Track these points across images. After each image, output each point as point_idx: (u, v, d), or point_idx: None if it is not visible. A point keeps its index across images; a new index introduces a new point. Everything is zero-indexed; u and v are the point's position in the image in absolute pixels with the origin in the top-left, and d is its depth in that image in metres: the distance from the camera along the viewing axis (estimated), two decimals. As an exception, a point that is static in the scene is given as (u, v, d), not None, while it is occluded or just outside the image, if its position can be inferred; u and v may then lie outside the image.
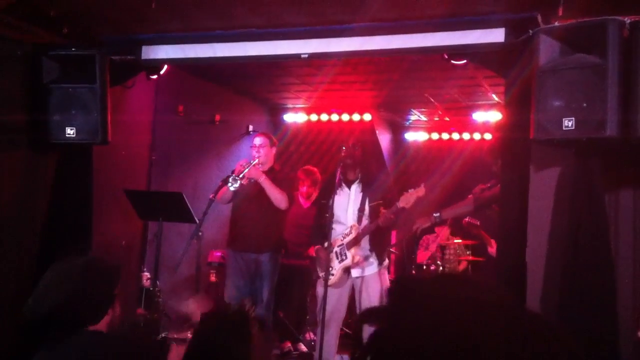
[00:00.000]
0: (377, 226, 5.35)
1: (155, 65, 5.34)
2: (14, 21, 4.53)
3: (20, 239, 4.68)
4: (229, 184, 5.64)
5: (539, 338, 0.90)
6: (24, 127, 4.75)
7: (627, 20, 3.55)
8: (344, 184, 5.57)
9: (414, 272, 6.86)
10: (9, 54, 4.62)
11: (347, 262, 5.38)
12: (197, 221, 5.48)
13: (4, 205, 4.63)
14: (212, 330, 2.43)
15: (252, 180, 5.76)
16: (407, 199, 5.20)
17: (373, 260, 5.45)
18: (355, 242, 5.39)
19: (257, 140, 6.04)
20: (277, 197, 5.76)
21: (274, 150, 6.10)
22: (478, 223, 6.62)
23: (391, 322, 0.94)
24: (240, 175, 5.66)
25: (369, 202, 5.48)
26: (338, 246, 5.43)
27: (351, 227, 5.45)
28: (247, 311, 2.53)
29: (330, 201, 5.44)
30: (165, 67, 5.49)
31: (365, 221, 5.46)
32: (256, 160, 5.84)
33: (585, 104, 3.59)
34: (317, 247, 5.57)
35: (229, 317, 2.50)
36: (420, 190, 5.23)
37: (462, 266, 7.31)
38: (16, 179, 4.75)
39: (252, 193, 5.84)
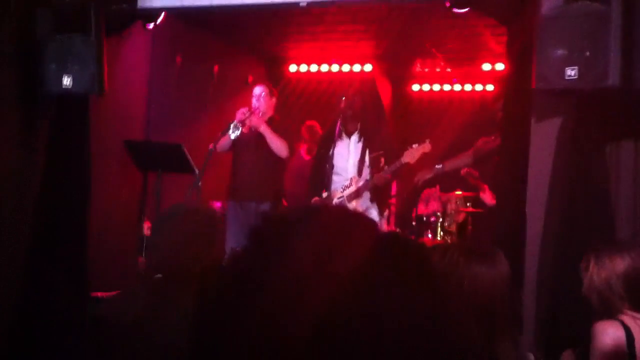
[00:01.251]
0: (376, 183, 5.34)
1: (151, 13, 5.25)
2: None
3: (19, 192, 4.67)
4: (230, 131, 5.63)
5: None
6: (18, 82, 4.69)
7: (633, -35, 3.47)
8: (344, 135, 5.54)
9: (414, 223, 6.84)
10: (1, 8, 4.54)
11: None
12: (197, 172, 5.47)
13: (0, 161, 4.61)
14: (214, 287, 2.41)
15: (253, 129, 5.74)
16: (412, 154, 5.17)
17: (374, 211, 5.46)
18: (356, 194, 5.38)
19: (257, 90, 6.02)
20: (278, 144, 5.75)
21: (273, 100, 6.07)
22: (477, 174, 6.61)
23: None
24: (241, 123, 5.64)
25: (370, 153, 5.46)
26: (338, 198, 5.42)
27: (351, 179, 5.43)
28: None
29: (330, 152, 5.41)
30: (162, 15, 5.41)
31: (365, 172, 5.44)
32: (257, 109, 5.82)
33: (587, 53, 3.53)
34: (315, 198, 5.57)
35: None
36: (426, 146, 5.19)
37: (462, 217, 7.31)
38: (10, 134, 4.72)
39: (252, 142, 5.83)
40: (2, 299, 4.63)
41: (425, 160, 5.86)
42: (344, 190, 5.43)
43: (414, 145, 5.22)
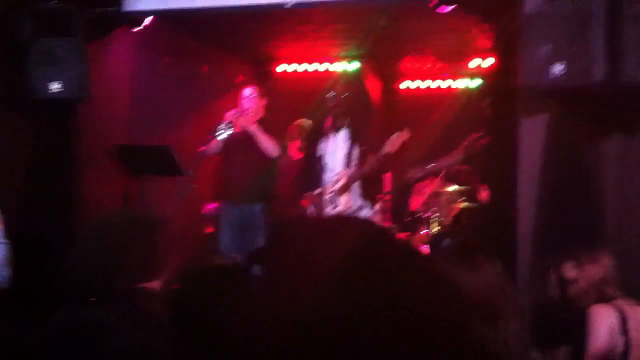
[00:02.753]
0: (362, 174, 5.37)
1: (136, 17, 5.24)
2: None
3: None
4: (218, 132, 5.62)
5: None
6: (1, 87, 4.67)
7: (615, -39, 3.46)
8: (332, 131, 5.55)
9: (409, 219, 6.84)
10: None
11: (340, 208, 5.39)
12: (188, 174, 5.45)
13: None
14: (198, 286, 2.22)
15: (243, 129, 5.74)
16: (392, 143, 5.23)
17: (365, 205, 5.48)
18: (345, 188, 5.40)
19: (247, 91, 6.02)
20: (268, 144, 5.75)
21: (263, 101, 6.06)
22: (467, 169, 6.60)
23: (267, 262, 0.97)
24: (230, 124, 5.64)
25: (357, 148, 5.48)
26: (328, 193, 5.43)
27: (339, 173, 5.45)
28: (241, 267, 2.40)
29: (320, 149, 5.43)
30: (149, 19, 5.39)
31: (354, 166, 5.47)
32: (247, 110, 5.81)
33: (572, 49, 3.53)
34: (307, 194, 5.59)
35: (219, 271, 2.32)
36: (405, 134, 5.25)
37: (455, 212, 7.31)
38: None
39: (242, 143, 5.81)
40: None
41: (416, 157, 5.87)
42: (333, 185, 5.45)
43: (393, 135, 5.27)
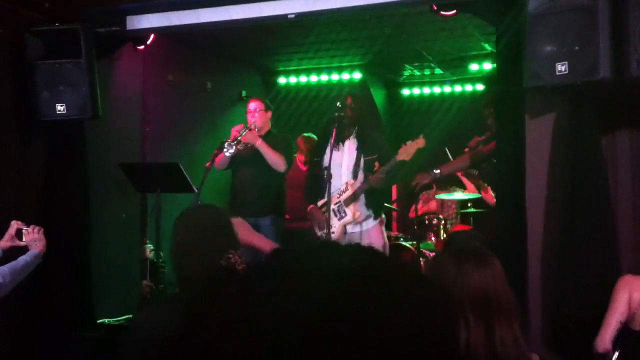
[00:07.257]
0: (370, 186, 5.33)
1: (140, 35, 5.28)
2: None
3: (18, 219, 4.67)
4: (225, 150, 5.62)
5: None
6: (13, 108, 4.70)
7: (617, -42, 3.48)
8: (337, 142, 5.53)
9: (415, 227, 6.83)
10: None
11: (348, 218, 5.36)
12: (196, 190, 5.46)
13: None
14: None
15: (249, 145, 5.74)
16: (407, 151, 5.14)
17: (370, 215, 5.45)
18: (353, 198, 5.36)
19: (252, 105, 5.99)
20: (275, 160, 5.74)
21: (269, 114, 6.06)
22: (476, 173, 6.59)
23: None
24: (236, 141, 5.63)
25: (364, 157, 5.44)
26: (335, 204, 5.40)
27: (346, 183, 5.42)
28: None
29: (326, 159, 5.39)
30: (152, 36, 5.43)
31: (361, 175, 5.43)
32: (252, 125, 5.80)
33: (577, 48, 3.55)
34: (311, 206, 5.56)
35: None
36: (420, 142, 5.16)
37: (462, 218, 7.30)
38: (9, 161, 4.73)
39: (250, 157, 5.81)
40: (4, 327, 4.62)
41: (421, 164, 5.85)
42: (340, 195, 5.42)
43: (407, 142, 5.19)
